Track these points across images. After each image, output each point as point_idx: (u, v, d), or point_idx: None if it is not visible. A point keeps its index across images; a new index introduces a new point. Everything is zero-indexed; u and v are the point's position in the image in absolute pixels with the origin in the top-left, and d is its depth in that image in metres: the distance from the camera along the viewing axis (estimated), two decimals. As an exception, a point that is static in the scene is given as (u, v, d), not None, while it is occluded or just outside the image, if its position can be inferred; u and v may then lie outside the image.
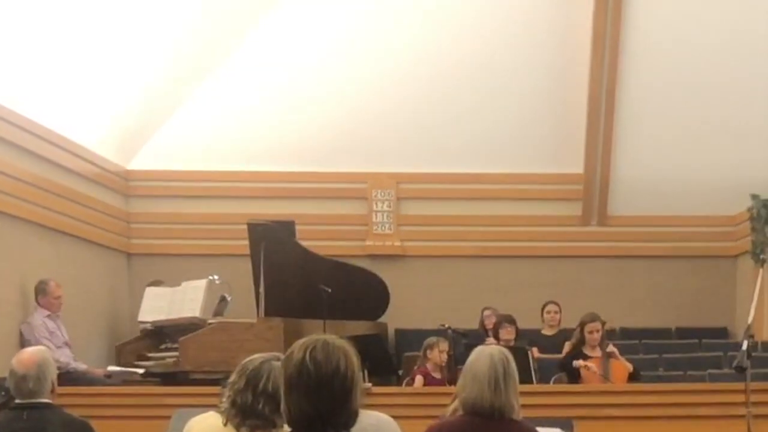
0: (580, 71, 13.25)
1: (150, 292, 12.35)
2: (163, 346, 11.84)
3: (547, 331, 12.19)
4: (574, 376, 10.37)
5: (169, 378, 11.24)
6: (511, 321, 11.27)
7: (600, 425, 9.23)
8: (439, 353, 10.59)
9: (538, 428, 5.07)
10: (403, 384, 10.92)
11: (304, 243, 12.14)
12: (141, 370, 11.26)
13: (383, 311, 12.47)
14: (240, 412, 4.22)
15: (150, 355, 11.78)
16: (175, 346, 11.34)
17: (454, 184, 14.23)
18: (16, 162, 10.45)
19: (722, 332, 14.08)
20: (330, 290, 10.96)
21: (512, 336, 11.08)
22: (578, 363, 10.37)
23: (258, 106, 13.34)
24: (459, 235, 14.21)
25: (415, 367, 10.87)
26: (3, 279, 10.17)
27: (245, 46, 13.00)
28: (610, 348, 10.42)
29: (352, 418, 3.23)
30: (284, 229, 12.14)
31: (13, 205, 10.33)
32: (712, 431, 9.50)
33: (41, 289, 10.50)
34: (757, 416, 8.14)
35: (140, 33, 11.23)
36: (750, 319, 9.24)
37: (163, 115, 13.27)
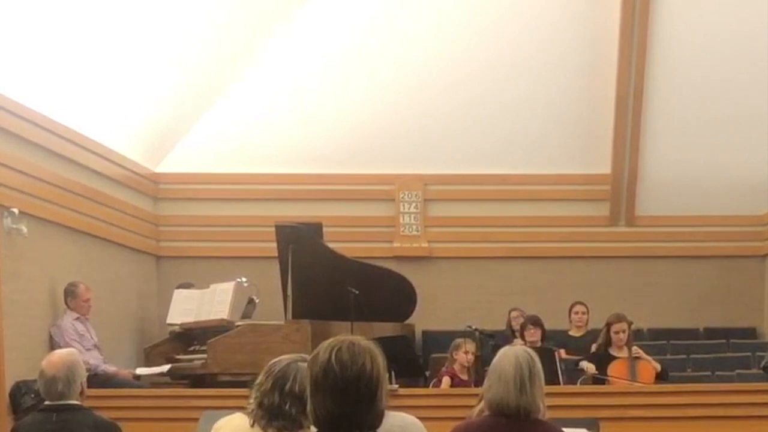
0: (607, 71, 13.19)
1: (178, 294, 12.41)
2: (191, 348, 11.88)
3: (575, 332, 12.16)
4: (604, 371, 10.33)
5: (198, 380, 11.29)
6: (535, 322, 11.20)
7: (626, 426, 9.23)
8: (465, 354, 10.60)
9: (563, 429, 5.07)
10: (431, 385, 10.93)
11: (332, 245, 12.10)
12: (166, 368, 11.32)
13: (410, 313, 12.45)
14: (267, 413, 4.22)
15: (178, 357, 11.83)
16: (204, 348, 11.37)
17: (481, 185, 14.19)
18: (44, 165, 10.49)
19: (750, 332, 14.01)
20: (357, 292, 10.96)
21: (537, 337, 11.01)
22: (582, 365, 10.39)
23: (285, 109, 13.35)
24: (486, 236, 14.17)
25: (443, 369, 10.87)
26: (32, 282, 10.21)
27: (272, 50, 12.98)
28: (636, 351, 10.40)
29: (377, 419, 3.23)
30: (312, 231, 12.11)
31: (42, 208, 10.38)
32: (740, 432, 9.49)
33: (70, 292, 10.55)
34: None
35: (169, 37, 11.27)
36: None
37: (191, 118, 13.31)
